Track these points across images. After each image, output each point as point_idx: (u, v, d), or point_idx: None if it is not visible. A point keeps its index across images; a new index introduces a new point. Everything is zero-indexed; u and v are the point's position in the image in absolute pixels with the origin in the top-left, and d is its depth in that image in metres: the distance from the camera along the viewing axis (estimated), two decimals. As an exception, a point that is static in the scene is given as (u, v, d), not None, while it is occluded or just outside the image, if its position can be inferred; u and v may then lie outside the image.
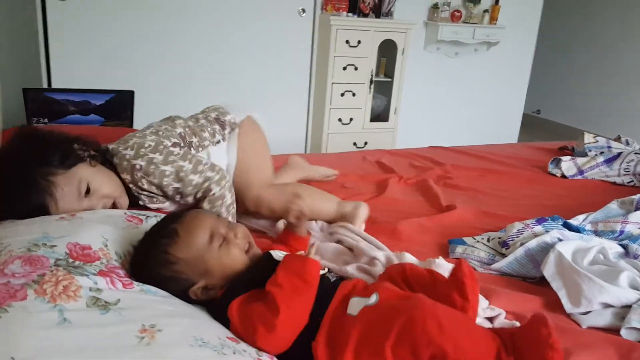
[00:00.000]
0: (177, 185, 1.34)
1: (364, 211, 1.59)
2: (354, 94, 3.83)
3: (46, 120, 2.90)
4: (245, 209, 1.57)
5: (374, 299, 0.93)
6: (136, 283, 0.97)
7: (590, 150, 2.28)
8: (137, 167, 1.30)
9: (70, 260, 0.96)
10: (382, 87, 3.98)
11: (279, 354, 0.93)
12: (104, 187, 1.27)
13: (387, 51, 3.87)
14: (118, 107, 3.04)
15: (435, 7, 4.12)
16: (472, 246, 1.43)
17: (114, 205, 1.30)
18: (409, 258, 1.25)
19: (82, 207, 1.22)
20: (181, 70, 3.29)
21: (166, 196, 1.38)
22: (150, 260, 1.04)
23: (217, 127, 1.53)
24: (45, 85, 2.96)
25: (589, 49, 5.20)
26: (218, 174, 1.38)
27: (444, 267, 1.18)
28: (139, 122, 3.03)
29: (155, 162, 1.31)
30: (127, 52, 3.10)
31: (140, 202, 1.38)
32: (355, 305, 0.93)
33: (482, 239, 1.46)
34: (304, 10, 3.45)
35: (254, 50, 3.44)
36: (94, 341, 0.78)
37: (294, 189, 1.58)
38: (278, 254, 1.09)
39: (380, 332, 0.86)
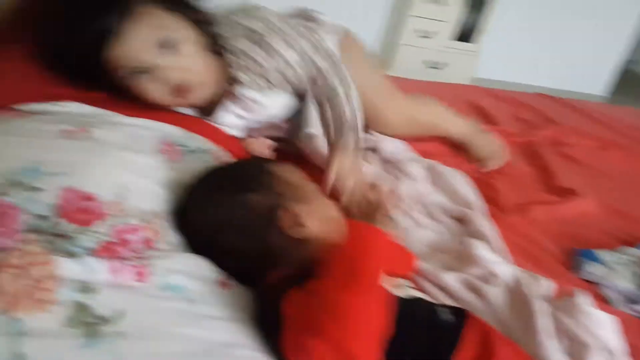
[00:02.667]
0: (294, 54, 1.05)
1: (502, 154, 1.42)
2: (441, 3, 3.28)
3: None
4: None
5: None
6: (157, 271, 0.63)
7: None
8: (254, 28, 1.02)
9: (57, 220, 0.62)
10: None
11: None
12: (190, 59, 0.93)
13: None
14: None
15: None
16: (611, 268, 1.04)
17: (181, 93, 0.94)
18: (548, 287, 0.88)
19: (151, 59, 0.89)
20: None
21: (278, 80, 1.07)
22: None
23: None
24: None
25: None
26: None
27: (593, 319, 0.81)
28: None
29: (273, 21, 1.05)
30: None
31: (243, 91, 1.05)
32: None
33: (625, 259, 1.07)
34: None
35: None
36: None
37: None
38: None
39: None
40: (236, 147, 1.04)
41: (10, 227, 0.58)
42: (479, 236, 1.00)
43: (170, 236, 0.73)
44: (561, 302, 0.85)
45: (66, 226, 0.61)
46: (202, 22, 0.97)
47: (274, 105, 1.11)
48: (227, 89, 1.04)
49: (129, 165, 0.76)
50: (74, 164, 0.70)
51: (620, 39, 4.18)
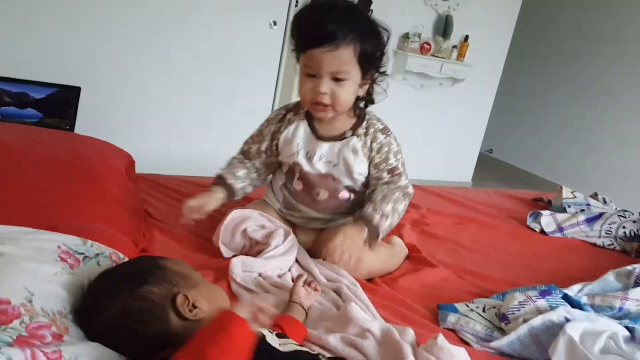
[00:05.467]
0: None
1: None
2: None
3: (-25, 108, 2.60)
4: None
5: None
6: (67, 355, 0.72)
7: (569, 207, 2.17)
8: None
9: (-24, 322, 0.71)
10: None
11: None
12: None
13: (355, 75, 3.71)
14: (60, 103, 2.74)
15: (405, 37, 4.02)
16: (466, 315, 1.24)
17: None
18: (411, 336, 1.05)
19: None
20: (137, 72, 3.01)
21: None
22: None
23: None
24: (-22, 70, 2.63)
25: (550, 95, 5.24)
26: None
27: (447, 352, 0.99)
28: (82, 122, 2.73)
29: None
30: (77, 43, 2.80)
31: None
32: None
33: (477, 307, 1.29)
34: (275, 23, 3.25)
35: (218, 59, 3.20)
36: None
37: None
38: (275, 340, 0.87)
39: None
40: (130, 249, 1.16)
41: None
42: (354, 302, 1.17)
43: (76, 332, 0.83)
44: (425, 344, 1.03)
45: (-16, 326, 0.71)
46: None
47: None
48: None
49: (35, 274, 0.86)
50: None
51: (478, 130, 4.82)
